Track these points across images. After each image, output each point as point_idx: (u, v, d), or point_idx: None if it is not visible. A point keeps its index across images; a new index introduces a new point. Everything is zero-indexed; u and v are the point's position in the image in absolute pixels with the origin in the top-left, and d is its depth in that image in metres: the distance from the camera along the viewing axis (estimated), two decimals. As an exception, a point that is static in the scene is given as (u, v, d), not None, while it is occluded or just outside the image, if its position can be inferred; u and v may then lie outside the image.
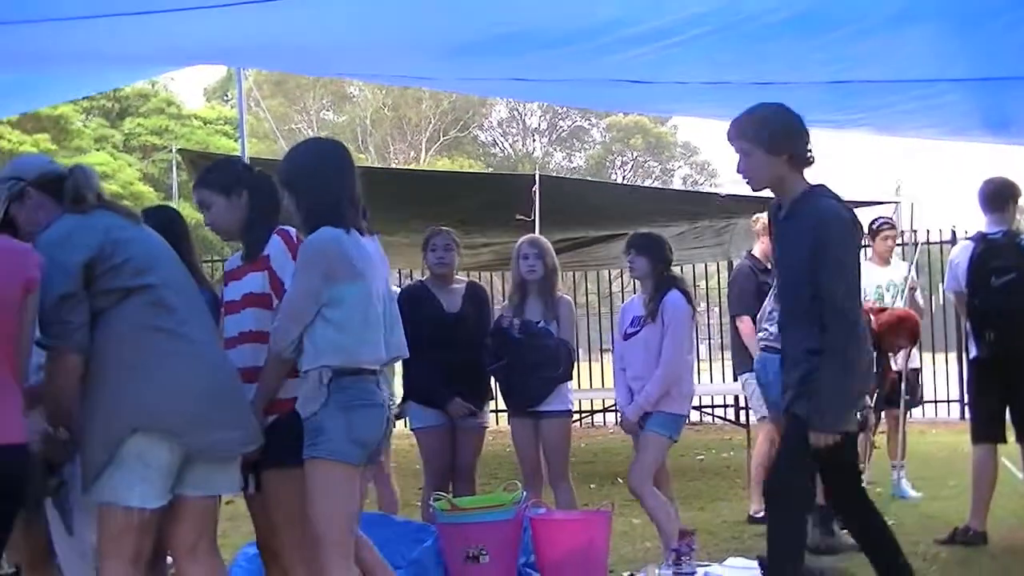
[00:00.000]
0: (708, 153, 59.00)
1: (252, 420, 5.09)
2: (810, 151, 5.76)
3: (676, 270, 8.92)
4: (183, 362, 4.87)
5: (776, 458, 6.04)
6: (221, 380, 5.01)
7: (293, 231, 5.42)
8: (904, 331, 8.73)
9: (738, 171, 5.83)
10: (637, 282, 7.93)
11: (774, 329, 7.88)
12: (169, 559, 5.46)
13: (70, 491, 5.27)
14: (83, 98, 30.20)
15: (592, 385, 17.61)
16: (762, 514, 9.20)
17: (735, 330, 9.74)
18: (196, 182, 5.80)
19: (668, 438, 7.50)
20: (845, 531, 8.48)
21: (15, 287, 4.69)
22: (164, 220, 5.83)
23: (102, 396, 4.87)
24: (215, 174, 5.71)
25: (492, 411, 9.10)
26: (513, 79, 8.66)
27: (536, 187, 12.90)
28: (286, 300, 5.21)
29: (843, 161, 48.45)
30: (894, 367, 9.48)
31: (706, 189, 49.15)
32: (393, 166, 43.32)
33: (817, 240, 5.59)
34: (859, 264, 5.80)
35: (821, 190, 5.76)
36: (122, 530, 4.85)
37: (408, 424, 8.52)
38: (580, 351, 12.69)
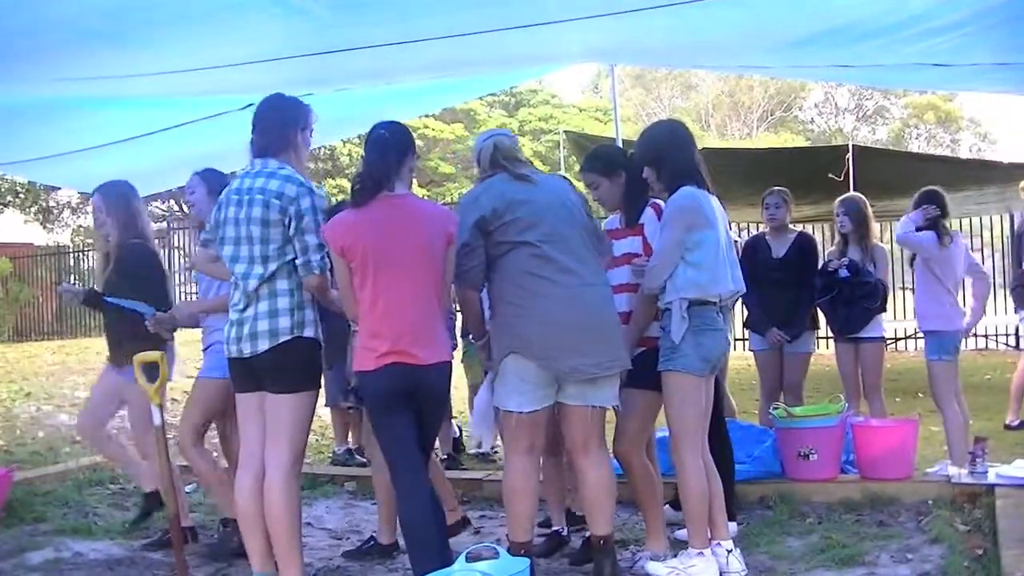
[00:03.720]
0: (989, 125, 56.16)
1: (618, 350, 5.10)
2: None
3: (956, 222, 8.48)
4: (555, 303, 4.93)
5: None
6: (591, 317, 5.02)
7: (662, 203, 5.41)
8: None
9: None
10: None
11: None
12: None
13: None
14: (487, 95, 30.89)
15: (896, 316, 17.00)
16: (1017, 423, 9.36)
17: (1019, 273, 9.37)
18: (583, 167, 5.89)
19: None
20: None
21: (441, 240, 4.93)
22: None
23: (494, 326, 5.07)
24: (598, 161, 5.79)
25: (821, 338, 8.80)
26: (834, 66, 8.39)
27: (850, 155, 12.54)
28: (659, 248, 5.27)
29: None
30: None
31: (988, 156, 46.67)
32: (731, 144, 42.64)
33: None
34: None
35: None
36: (512, 428, 5.05)
37: (747, 347, 8.41)
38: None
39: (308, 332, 4.95)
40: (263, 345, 4.87)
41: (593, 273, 5.14)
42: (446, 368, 4.97)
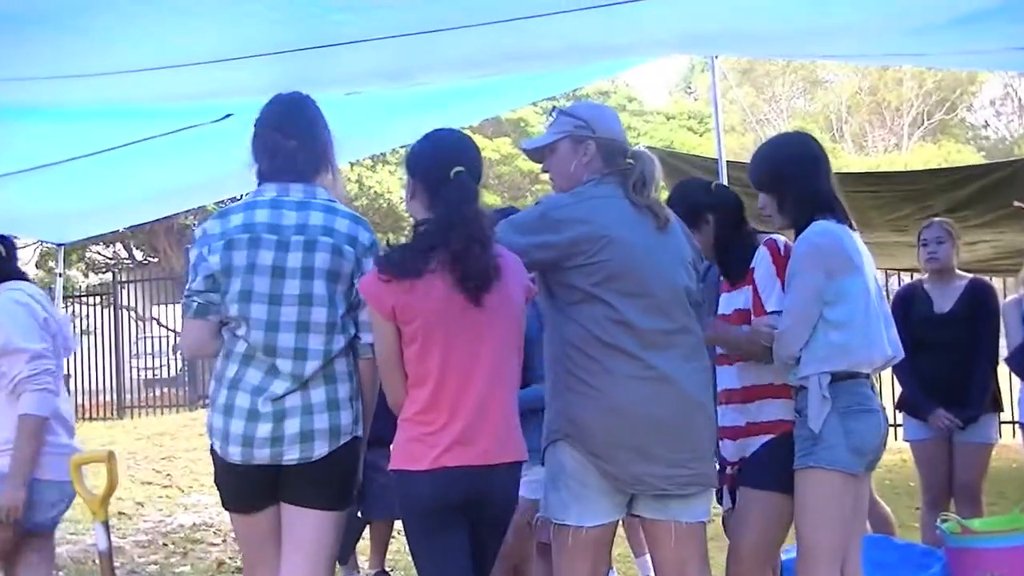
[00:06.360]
0: None
1: (702, 461, 4.97)
2: None
3: None
4: (631, 385, 4.81)
5: None
6: (673, 412, 4.86)
7: (782, 241, 5.36)
8: None
9: None
10: None
11: None
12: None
13: None
14: (543, 100, 30.98)
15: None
16: None
17: None
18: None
19: None
20: None
21: (522, 296, 4.81)
22: None
23: (547, 394, 5.02)
24: (677, 207, 5.62)
25: (1004, 423, 8.64)
26: (1016, 48, 8.22)
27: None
28: (789, 303, 5.20)
29: None
30: None
31: None
32: (870, 161, 42.58)
33: None
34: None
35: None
36: (570, 548, 4.94)
37: (900, 436, 8.31)
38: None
39: (360, 430, 4.84)
40: (321, 449, 4.67)
41: (687, 352, 5.00)
42: (519, 470, 4.85)
